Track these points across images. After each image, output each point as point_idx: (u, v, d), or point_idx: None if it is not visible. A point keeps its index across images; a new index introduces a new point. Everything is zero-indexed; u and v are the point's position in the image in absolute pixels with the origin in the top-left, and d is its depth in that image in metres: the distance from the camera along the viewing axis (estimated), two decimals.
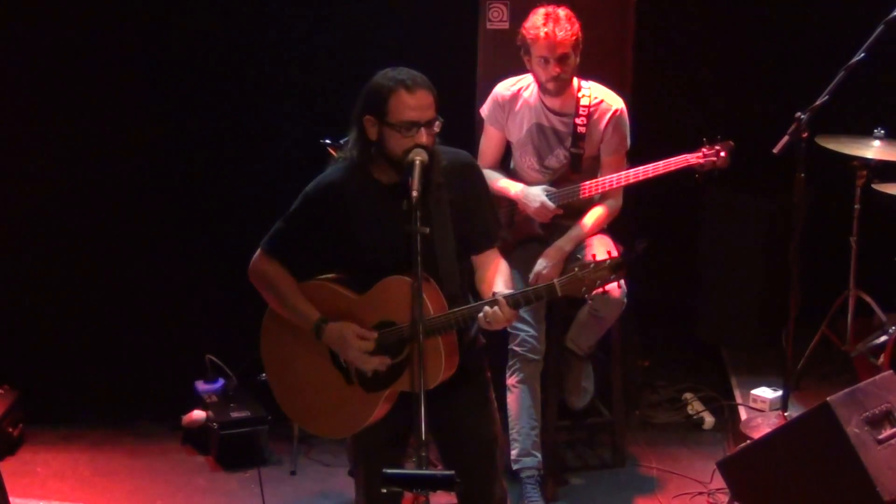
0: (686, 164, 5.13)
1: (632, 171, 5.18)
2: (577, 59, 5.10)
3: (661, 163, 5.14)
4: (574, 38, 5.04)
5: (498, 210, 4.32)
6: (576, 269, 3.86)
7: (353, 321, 4.04)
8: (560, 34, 5.02)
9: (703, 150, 5.12)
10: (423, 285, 3.86)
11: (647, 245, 4.62)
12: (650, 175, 5.15)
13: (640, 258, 3.99)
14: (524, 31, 5.09)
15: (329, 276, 4.16)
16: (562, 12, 5.05)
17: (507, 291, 3.95)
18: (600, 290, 3.86)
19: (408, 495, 3.97)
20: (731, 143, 5.11)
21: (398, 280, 3.94)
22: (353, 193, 4.02)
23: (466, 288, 4.12)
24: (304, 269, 4.16)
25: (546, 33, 5.02)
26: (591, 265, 3.84)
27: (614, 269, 3.84)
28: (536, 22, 5.05)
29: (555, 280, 3.90)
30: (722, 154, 5.10)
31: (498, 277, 4.07)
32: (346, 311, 4.06)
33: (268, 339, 4.27)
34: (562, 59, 5.06)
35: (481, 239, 4.13)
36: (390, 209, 3.89)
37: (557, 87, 5.13)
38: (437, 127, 3.93)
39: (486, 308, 3.89)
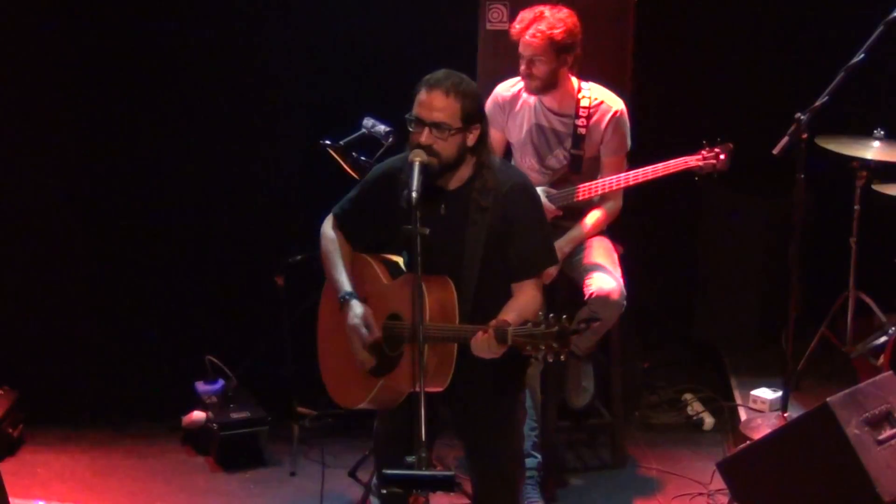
0: (685, 167, 5.13)
1: (631, 173, 5.17)
2: (560, 62, 5.06)
3: (660, 165, 5.13)
4: (544, 41, 5.01)
5: (552, 242, 4.29)
6: (529, 324, 3.80)
7: (375, 305, 4.15)
8: (528, 35, 5.03)
9: (703, 152, 5.11)
10: (437, 288, 3.94)
11: (586, 327, 4.59)
12: (649, 177, 5.14)
13: (580, 331, 3.92)
14: (509, 26, 5.14)
15: (382, 255, 4.29)
16: (549, 13, 5.04)
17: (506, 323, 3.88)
18: (539, 353, 3.77)
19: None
20: (731, 145, 5.10)
21: (415, 276, 3.94)
22: (403, 183, 4.04)
23: (486, 312, 4.02)
24: (363, 242, 4.32)
25: (518, 31, 5.05)
26: (542, 326, 3.75)
27: (558, 337, 3.75)
28: (520, 18, 5.08)
29: (508, 329, 3.82)
30: (721, 156, 5.10)
31: (510, 308, 4.02)
32: (374, 294, 4.19)
33: (323, 301, 4.41)
34: (531, 61, 5.07)
35: (519, 267, 4.11)
36: (426, 205, 3.90)
37: (528, 85, 5.16)
38: (448, 135, 3.95)
39: (479, 333, 3.87)
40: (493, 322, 3.88)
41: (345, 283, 4.19)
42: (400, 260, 4.27)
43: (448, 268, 3.99)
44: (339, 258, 4.25)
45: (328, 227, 4.30)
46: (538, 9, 5.07)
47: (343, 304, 4.16)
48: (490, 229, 4.03)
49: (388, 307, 4.13)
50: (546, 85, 5.12)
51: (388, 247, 4.32)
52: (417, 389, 3.65)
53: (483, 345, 3.86)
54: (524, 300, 4.07)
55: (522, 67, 5.10)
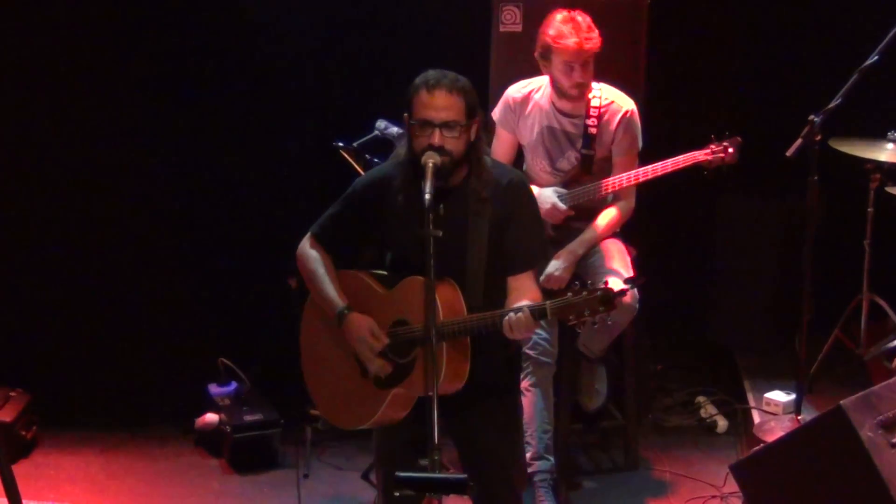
0: (695, 161, 5.13)
1: (640, 169, 5.18)
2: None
3: (669, 161, 5.14)
4: (600, 45, 5.06)
5: (546, 240, 4.30)
6: (569, 294, 3.85)
7: (376, 316, 4.09)
8: (588, 43, 5.04)
9: (712, 146, 5.12)
10: (442, 288, 3.91)
11: (642, 283, 4.63)
12: (659, 173, 5.15)
13: (632, 291, 3.95)
14: (548, 38, 5.07)
15: (368, 269, 4.22)
16: (581, 18, 5.05)
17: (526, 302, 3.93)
18: (587, 320, 3.83)
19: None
20: (739, 138, 5.11)
21: (417, 280, 3.95)
22: (396, 190, 4.05)
23: (496, 305, 4.03)
24: (348, 258, 4.25)
25: (576, 42, 5.02)
26: (584, 293, 3.82)
27: (604, 301, 3.81)
28: (563, 30, 5.03)
29: (546, 302, 3.88)
30: (730, 150, 5.10)
31: (519, 300, 4.02)
32: (372, 305, 4.12)
33: (306, 323, 4.34)
34: (585, 66, 5.07)
35: (518, 260, 4.10)
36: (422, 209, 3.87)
37: (581, 92, 5.14)
38: (458, 132, 3.94)
39: (511, 314, 3.87)
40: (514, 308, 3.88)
41: (339, 300, 4.14)
42: (384, 272, 4.20)
43: (453, 266, 3.95)
44: (327, 276, 4.18)
45: (308, 248, 4.22)
46: (570, 14, 5.08)
47: (341, 319, 4.11)
48: (492, 219, 4.02)
49: (389, 316, 4.08)
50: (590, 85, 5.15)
51: (369, 258, 4.25)
52: (431, 393, 3.63)
53: (521, 324, 3.85)
54: (529, 290, 4.07)
55: (575, 74, 5.06)
